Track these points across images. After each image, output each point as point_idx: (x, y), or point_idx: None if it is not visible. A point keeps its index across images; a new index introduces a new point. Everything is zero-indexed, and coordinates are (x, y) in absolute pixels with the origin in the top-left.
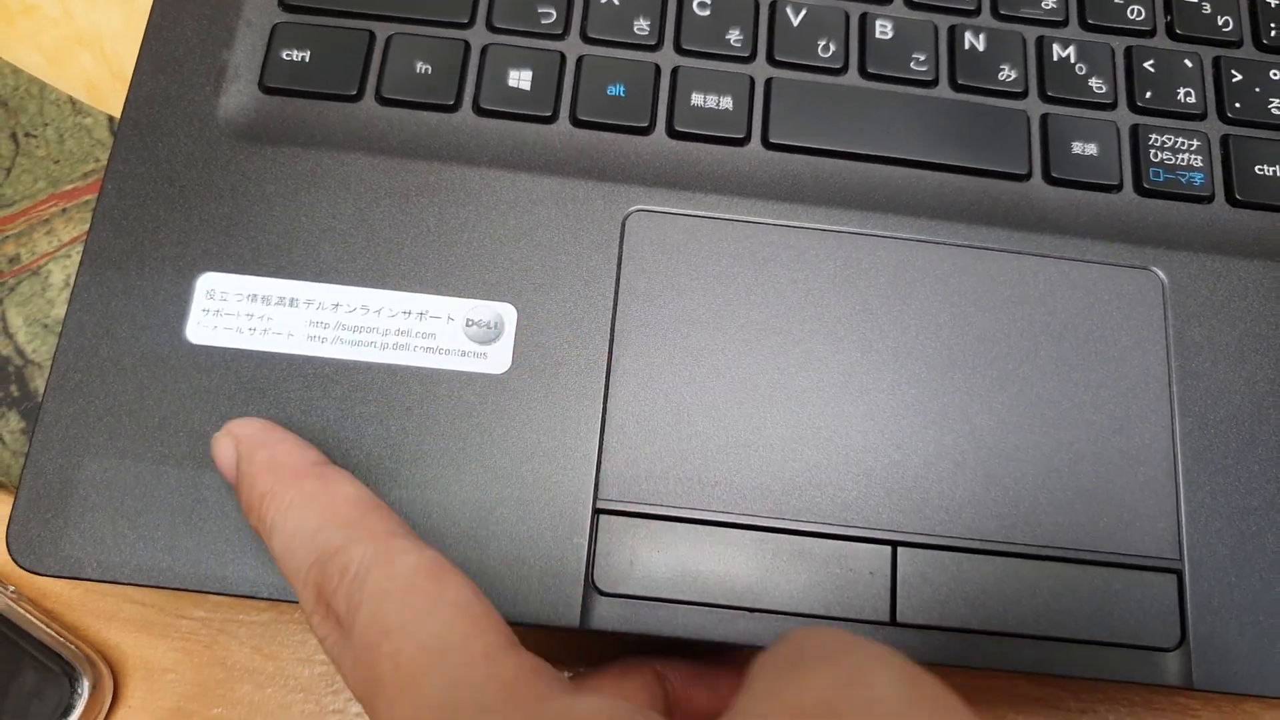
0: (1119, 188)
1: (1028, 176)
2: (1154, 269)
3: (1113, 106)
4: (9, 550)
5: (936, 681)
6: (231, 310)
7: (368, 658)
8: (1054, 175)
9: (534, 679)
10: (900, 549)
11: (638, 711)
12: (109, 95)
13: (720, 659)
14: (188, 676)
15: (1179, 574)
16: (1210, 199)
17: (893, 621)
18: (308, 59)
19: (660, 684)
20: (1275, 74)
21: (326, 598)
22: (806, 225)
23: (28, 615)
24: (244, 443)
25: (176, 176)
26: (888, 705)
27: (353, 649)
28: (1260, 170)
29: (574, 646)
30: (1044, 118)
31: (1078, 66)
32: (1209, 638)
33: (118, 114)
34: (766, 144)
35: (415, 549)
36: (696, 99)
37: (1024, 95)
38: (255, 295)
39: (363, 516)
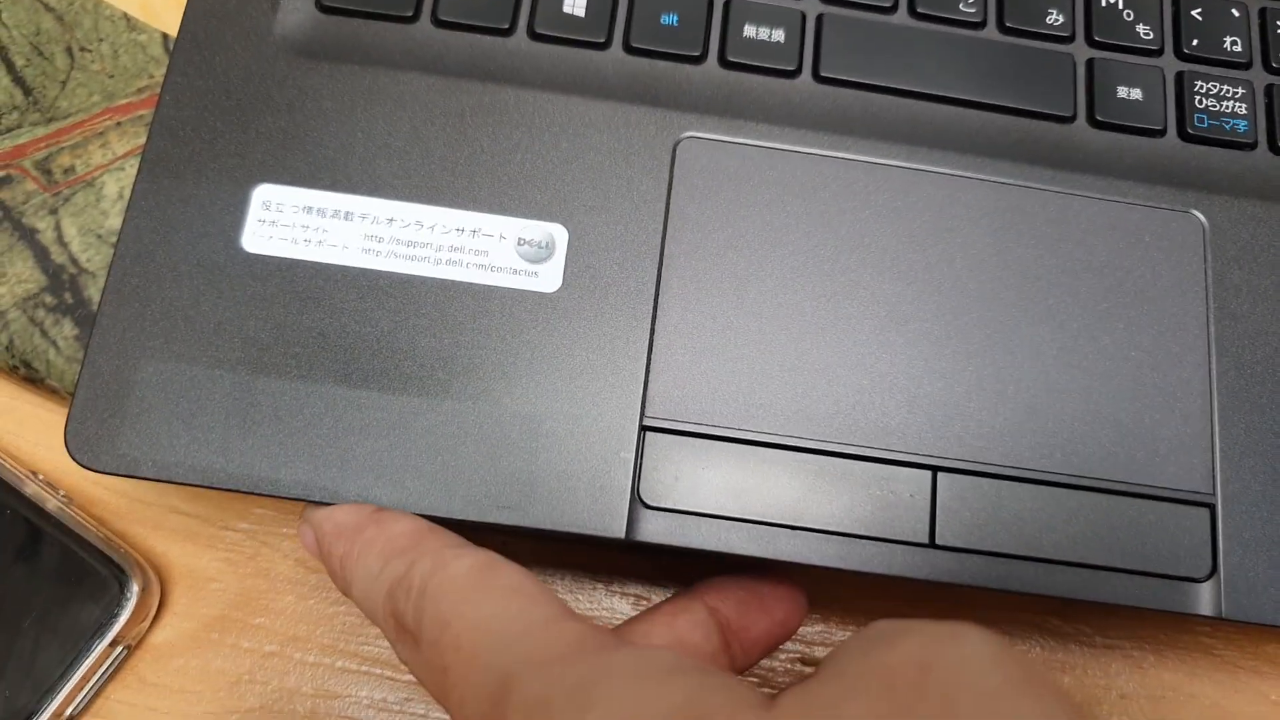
0: (1163, 132)
1: (1073, 118)
2: (1195, 212)
3: (1159, 53)
4: (68, 448)
5: (1023, 654)
6: (287, 221)
7: (434, 654)
8: (1099, 118)
9: (594, 635)
10: (940, 474)
11: (696, 666)
12: (163, 12)
13: (773, 580)
14: (232, 586)
15: (1212, 508)
16: (1254, 146)
17: (931, 543)
18: None
19: (713, 618)
20: None
21: (400, 621)
22: (855, 158)
23: (79, 519)
24: (315, 522)
25: (233, 90)
26: (980, 661)
27: (422, 652)
28: None
29: (627, 564)
30: (1090, 62)
31: (1125, 12)
32: (1239, 570)
33: (172, 31)
34: (817, 77)
35: (469, 552)
36: (749, 30)
37: (1070, 39)
38: (311, 208)
39: (419, 543)
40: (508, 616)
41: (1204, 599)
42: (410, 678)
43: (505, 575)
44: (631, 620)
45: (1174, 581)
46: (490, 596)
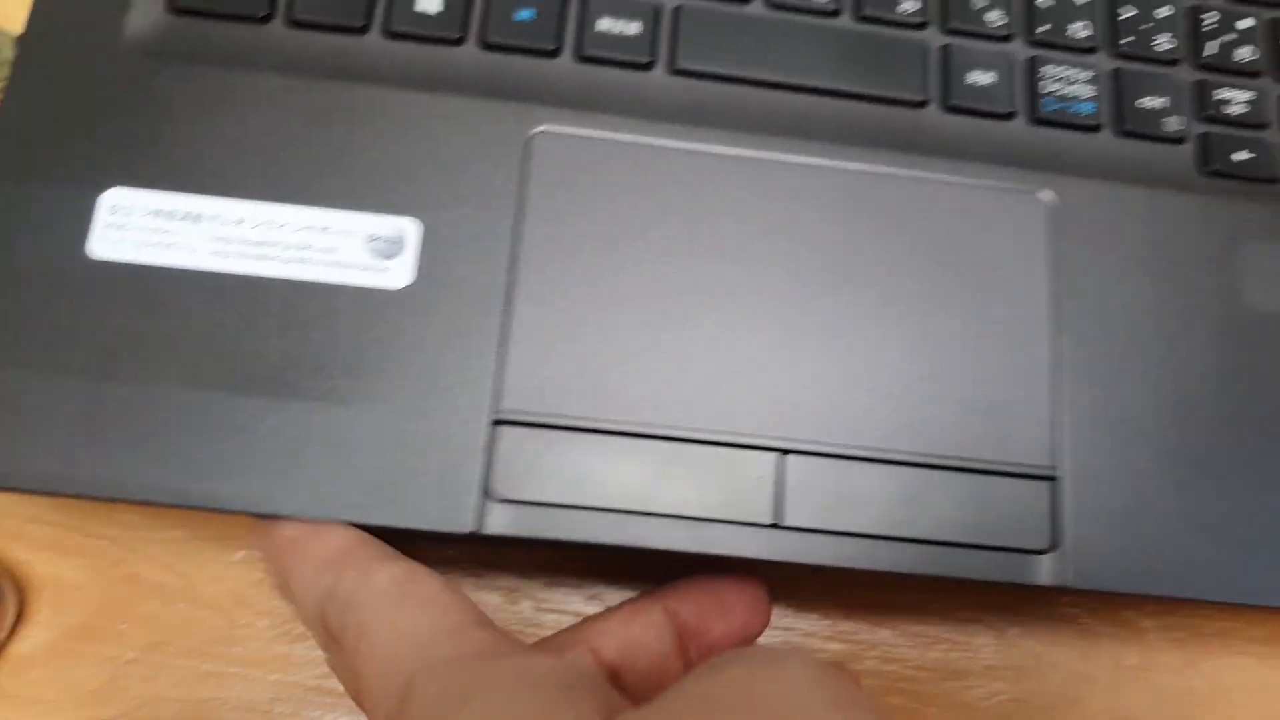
0: (1013, 116)
1: (925, 104)
2: (1042, 193)
3: (1010, 39)
4: None
5: (849, 677)
6: (135, 225)
7: (353, 660)
8: (951, 103)
9: (495, 643)
10: (789, 456)
11: (571, 682)
12: (13, 11)
13: (736, 583)
14: (94, 593)
15: (1055, 480)
16: (1099, 128)
17: (777, 524)
18: None
19: (669, 620)
20: (1162, 11)
21: (328, 630)
22: (710, 149)
23: None
24: (264, 538)
25: (80, 93)
26: (800, 685)
27: (344, 659)
28: (1146, 103)
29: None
30: (943, 48)
31: (977, 1)
32: (1082, 540)
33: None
34: (673, 70)
35: (392, 565)
36: (605, 24)
37: (924, 26)
38: (159, 211)
39: (349, 555)
40: (419, 625)
41: (1049, 569)
42: (274, 678)
43: (423, 586)
44: (589, 619)
45: (1019, 554)
46: (406, 606)
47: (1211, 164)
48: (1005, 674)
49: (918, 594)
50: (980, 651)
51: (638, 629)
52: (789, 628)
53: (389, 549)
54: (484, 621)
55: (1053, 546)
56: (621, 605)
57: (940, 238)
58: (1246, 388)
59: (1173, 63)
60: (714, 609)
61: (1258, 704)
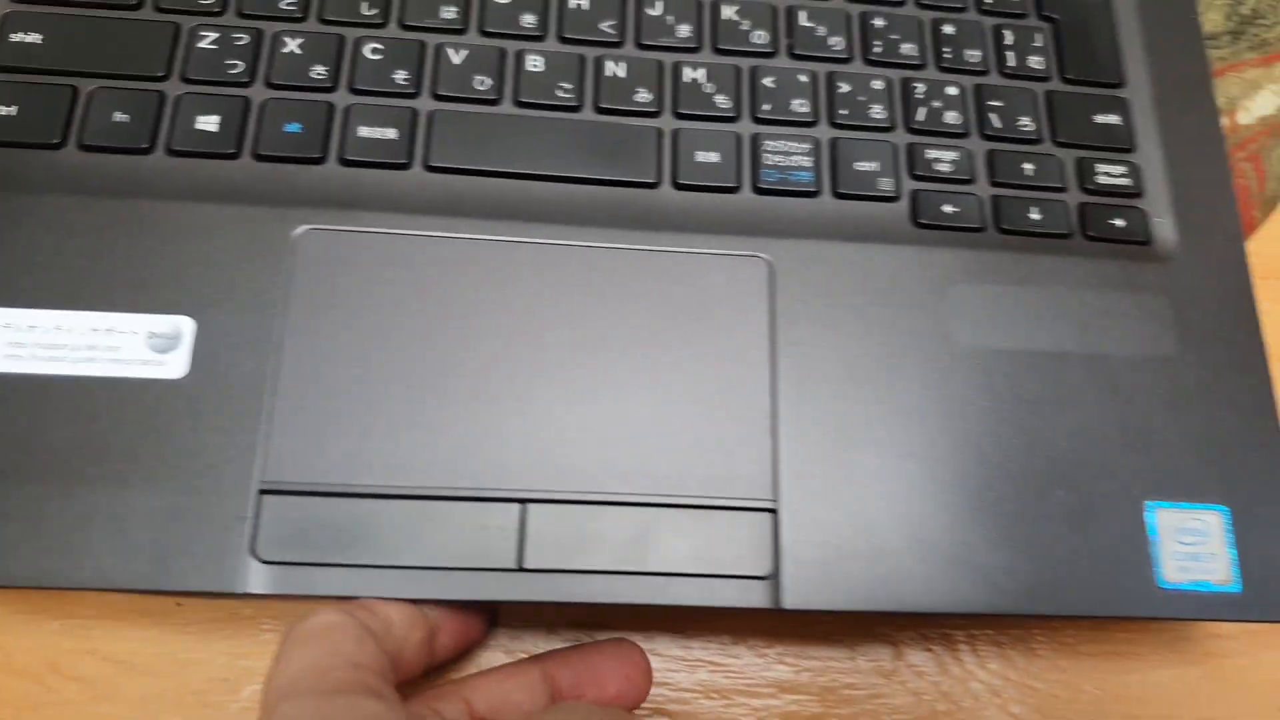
0: (738, 188)
1: (658, 184)
2: (762, 255)
3: (736, 119)
4: None
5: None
6: None
7: (265, 692)
8: (680, 181)
9: (359, 685)
10: (530, 505)
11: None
12: None
13: (616, 654)
14: None
15: (774, 513)
16: (817, 193)
17: (519, 568)
18: (14, 113)
19: (546, 684)
20: (876, 84)
21: None
22: (461, 235)
23: None
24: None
25: None
26: None
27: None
28: (860, 167)
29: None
30: (675, 132)
31: (706, 86)
32: (797, 565)
33: None
34: (428, 167)
35: (333, 611)
36: (364, 131)
37: (658, 114)
38: None
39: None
40: (304, 659)
41: (767, 594)
42: None
43: (334, 630)
44: (472, 675)
45: (742, 580)
46: (307, 643)
47: (922, 217)
48: (765, 691)
49: (662, 619)
50: (744, 671)
51: (511, 687)
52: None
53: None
54: (366, 665)
55: (772, 573)
56: (504, 666)
57: (670, 302)
58: (953, 417)
59: (887, 129)
60: (588, 677)
61: (1025, 694)
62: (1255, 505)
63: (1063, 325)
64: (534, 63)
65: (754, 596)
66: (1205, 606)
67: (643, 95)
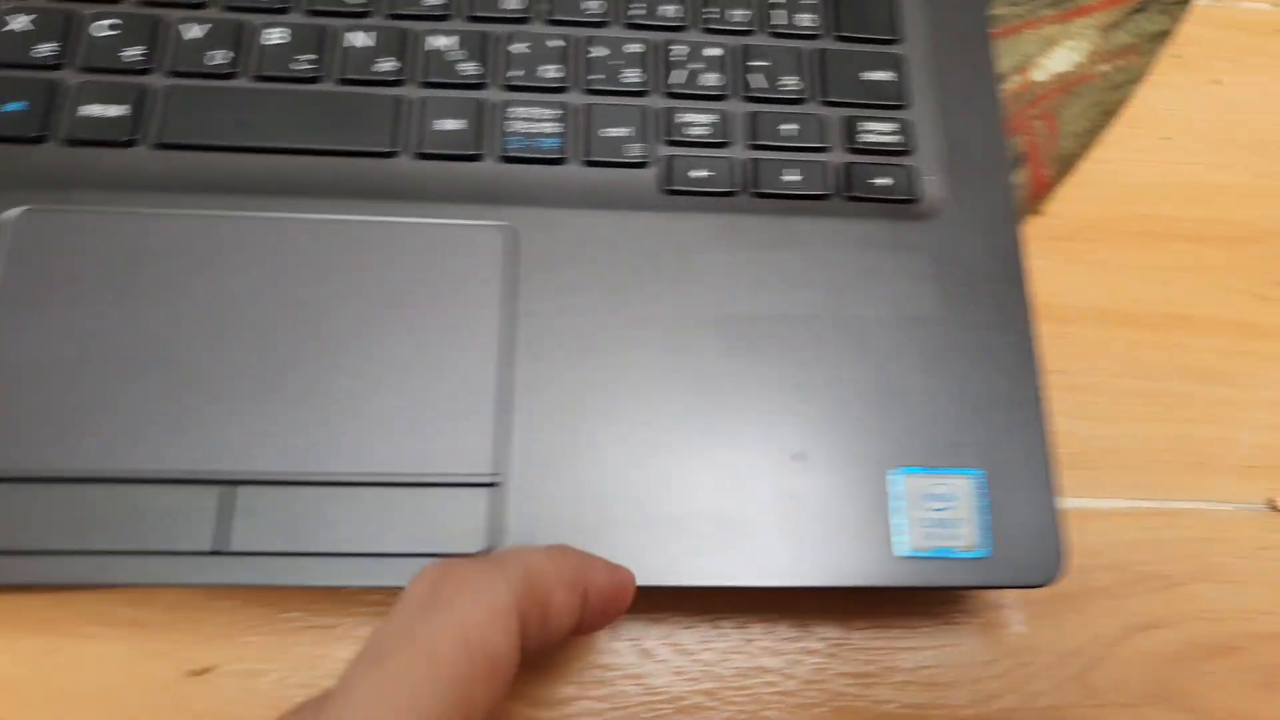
0: (481, 157)
1: (397, 153)
2: (501, 224)
3: (484, 86)
4: None
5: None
6: None
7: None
8: (421, 150)
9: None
10: (240, 487)
11: None
12: None
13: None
14: None
15: (496, 487)
16: (564, 160)
17: (218, 551)
18: None
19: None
20: (632, 48)
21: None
22: (186, 212)
23: None
24: None
25: None
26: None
27: None
28: (608, 133)
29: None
30: (418, 101)
31: (453, 54)
32: (520, 541)
33: None
34: (159, 145)
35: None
36: (89, 109)
37: (402, 83)
38: None
39: None
40: None
41: None
42: None
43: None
44: None
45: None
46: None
47: (672, 183)
48: None
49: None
50: None
51: None
52: None
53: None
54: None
55: (486, 550)
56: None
57: (404, 274)
58: (692, 386)
59: (642, 93)
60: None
61: None
62: (1012, 468)
63: (815, 288)
64: (274, 36)
65: None
66: (947, 573)
67: (386, 65)
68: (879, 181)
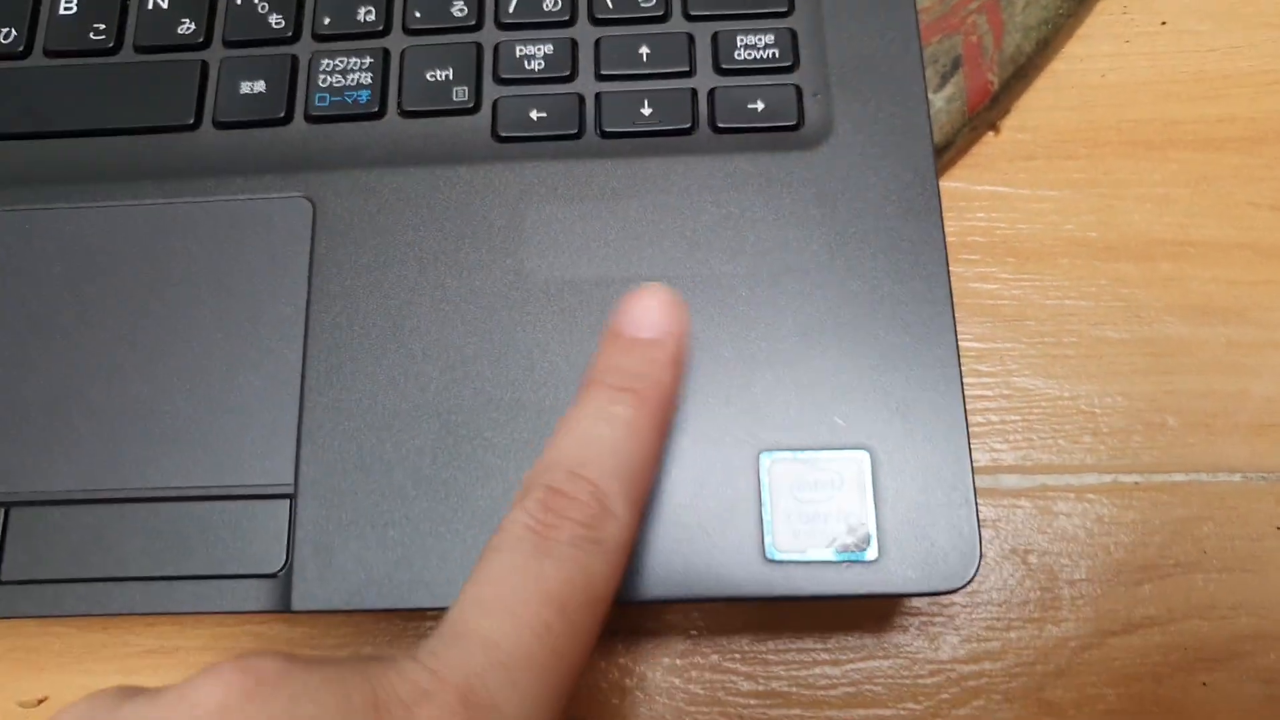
0: (288, 120)
1: (197, 125)
2: (304, 195)
3: (294, 40)
4: None
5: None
6: None
7: None
8: (220, 119)
9: None
10: (13, 510)
11: None
12: None
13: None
14: None
15: (291, 499)
16: (380, 114)
17: None
18: None
19: None
20: None
21: None
22: None
23: None
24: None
25: None
26: None
27: None
28: (431, 76)
29: None
30: (221, 63)
31: (260, 6)
32: (313, 559)
33: None
34: None
35: None
36: None
37: (206, 45)
38: None
39: None
40: None
41: (274, 595)
42: None
43: None
44: None
45: (248, 580)
46: None
47: (503, 129)
48: None
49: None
50: None
51: None
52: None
53: None
54: None
55: (284, 567)
56: None
57: (198, 262)
58: (516, 367)
59: (471, 28)
60: None
61: None
62: (913, 446)
63: (669, 242)
64: (66, 6)
65: (261, 598)
66: (824, 580)
67: (186, 27)
68: (754, 107)
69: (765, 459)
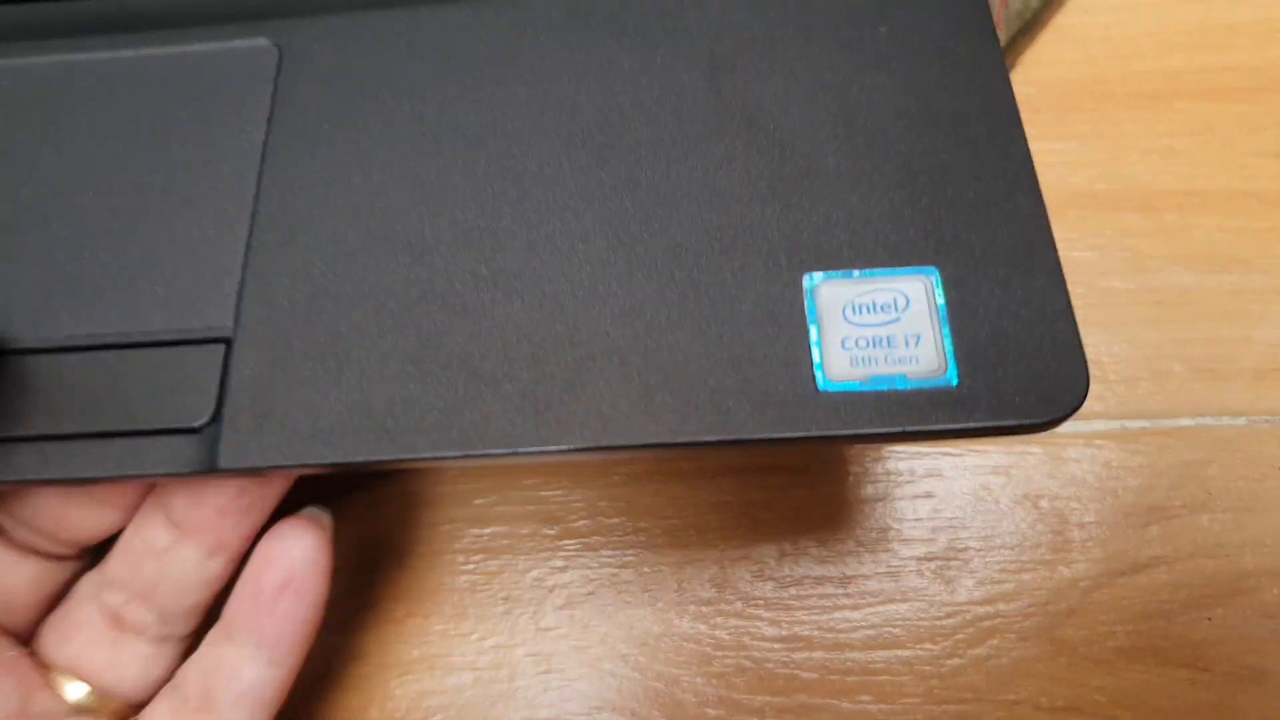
0: None
1: None
2: (271, 41)
3: None
4: None
5: None
6: None
7: None
8: None
9: None
10: None
11: None
12: None
13: None
14: None
15: (228, 342)
16: None
17: None
18: None
19: None
20: None
21: None
22: None
23: None
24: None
25: None
26: None
27: None
28: None
29: None
30: None
31: None
32: (250, 409)
33: None
34: None
35: None
36: None
37: None
38: None
39: None
40: None
41: (201, 453)
42: None
43: None
44: None
45: (171, 437)
46: None
47: None
48: None
49: None
50: None
51: None
52: None
53: None
54: None
55: (210, 423)
56: None
57: (153, 111)
58: (505, 200)
59: None
60: None
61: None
62: (983, 261)
63: (680, 65)
64: None
65: (180, 458)
66: (892, 412)
67: None
68: None
69: (810, 281)
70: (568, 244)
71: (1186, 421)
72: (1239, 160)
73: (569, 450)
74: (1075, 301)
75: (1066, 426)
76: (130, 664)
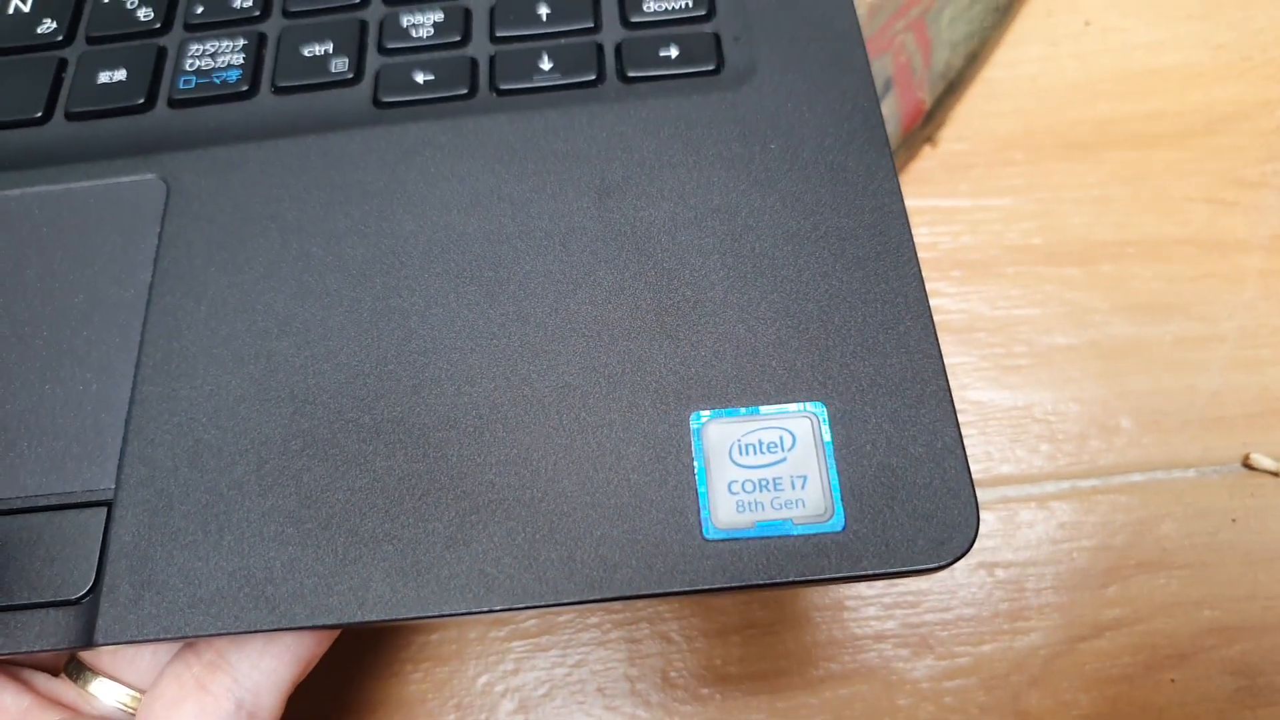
0: (149, 106)
1: (46, 118)
2: (158, 176)
3: (163, 31)
4: None
5: None
6: None
7: None
8: (73, 110)
9: None
10: None
11: None
12: None
13: None
14: None
15: (109, 505)
16: (250, 93)
17: None
18: None
19: None
20: None
21: None
22: None
23: None
24: None
25: None
26: None
27: None
28: (308, 52)
29: None
30: (80, 57)
31: (127, 3)
32: (128, 578)
33: None
34: None
35: None
36: None
37: (67, 43)
38: None
39: None
40: None
41: (78, 627)
42: None
43: None
44: None
45: (53, 610)
46: None
47: (387, 93)
48: None
49: None
50: None
51: None
52: None
53: None
54: None
55: (89, 593)
56: None
57: (35, 253)
58: (393, 342)
59: (357, 5)
60: None
61: None
62: (869, 393)
63: (568, 193)
64: None
65: (58, 633)
66: (780, 561)
67: (47, 26)
68: (666, 54)
69: (696, 420)
70: (454, 387)
71: (1137, 477)
72: (1171, 207)
73: (449, 615)
74: (1020, 361)
75: (1018, 489)
76: None
